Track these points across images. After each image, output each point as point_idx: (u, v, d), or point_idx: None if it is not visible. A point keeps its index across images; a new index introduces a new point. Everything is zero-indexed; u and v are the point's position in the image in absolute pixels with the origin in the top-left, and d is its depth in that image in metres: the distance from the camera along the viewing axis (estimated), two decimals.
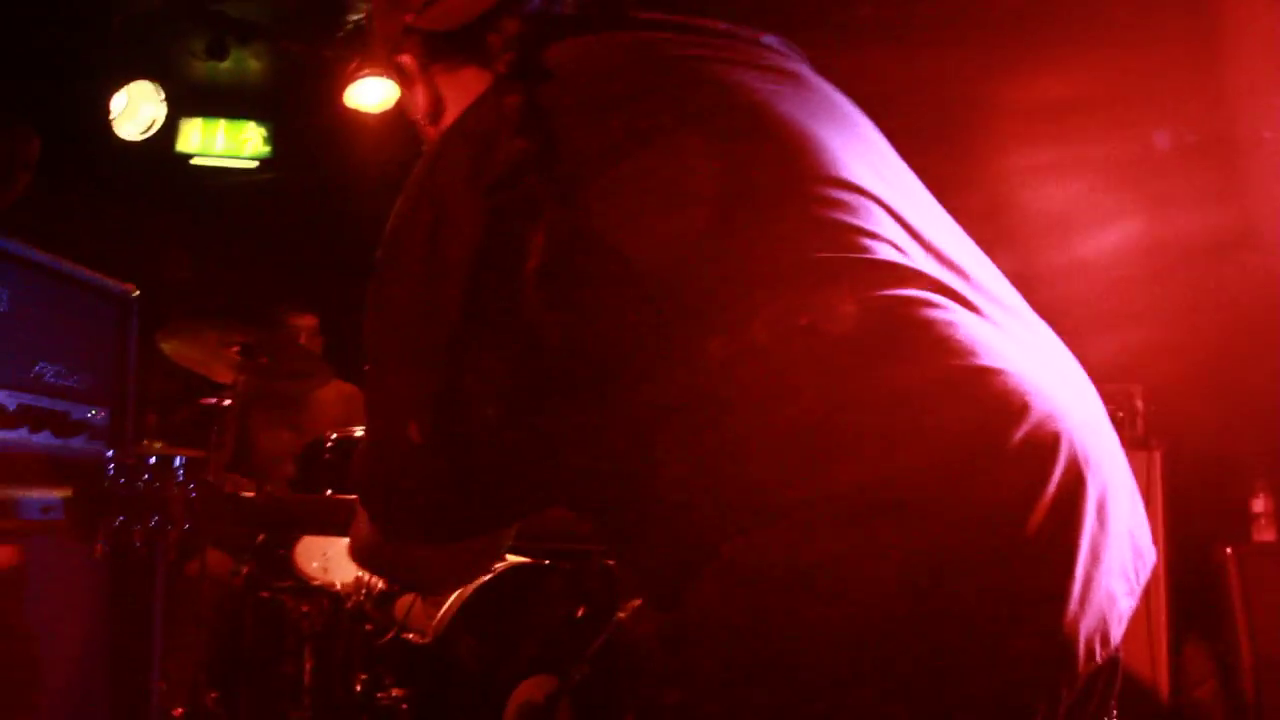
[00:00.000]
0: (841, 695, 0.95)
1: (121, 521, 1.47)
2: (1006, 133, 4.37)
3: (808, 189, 1.11)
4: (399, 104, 1.51)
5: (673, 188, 1.09)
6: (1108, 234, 4.33)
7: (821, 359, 1.01)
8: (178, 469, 1.53)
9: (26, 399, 1.54)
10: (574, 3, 1.36)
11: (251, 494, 2.21)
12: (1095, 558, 1.01)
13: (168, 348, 3.46)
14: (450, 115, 1.38)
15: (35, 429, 1.55)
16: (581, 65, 1.20)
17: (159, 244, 4.84)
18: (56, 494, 1.55)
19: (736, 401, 1.01)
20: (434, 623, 3.28)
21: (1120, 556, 1.06)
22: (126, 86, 5.22)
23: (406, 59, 1.39)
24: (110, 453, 1.59)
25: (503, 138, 1.11)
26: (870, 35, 4.26)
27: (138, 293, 1.90)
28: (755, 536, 0.98)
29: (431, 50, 1.37)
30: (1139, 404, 4.09)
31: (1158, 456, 4.00)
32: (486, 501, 1.20)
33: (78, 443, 1.63)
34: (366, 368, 1.24)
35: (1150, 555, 1.13)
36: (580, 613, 3.24)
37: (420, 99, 1.40)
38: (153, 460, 1.51)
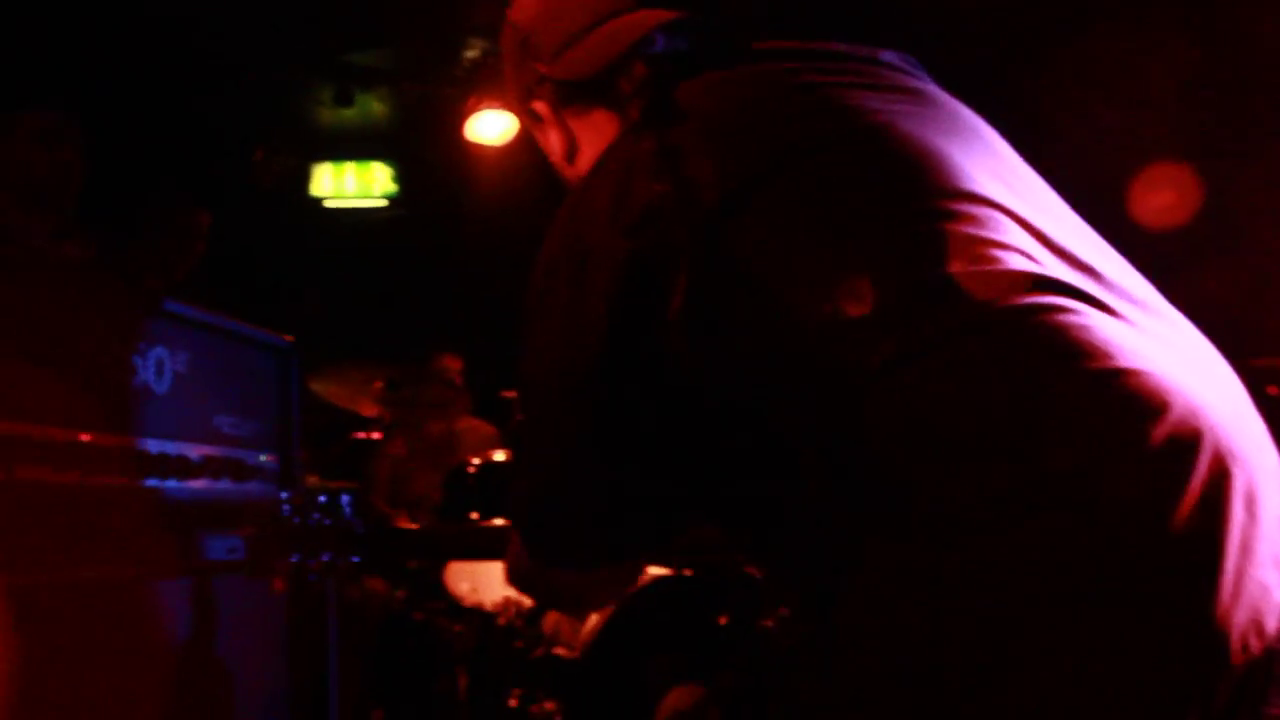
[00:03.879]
0: (990, 698, 0.96)
1: (298, 558, 1.58)
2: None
3: (935, 205, 1.13)
4: (527, 140, 1.58)
5: (806, 218, 1.13)
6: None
7: (959, 372, 1.04)
8: (345, 505, 1.64)
9: (208, 450, 1.68)
10: (695, 38, 1.41)
11: (411, 525, 2.32)
12: (1246, 550, 1.00)
13: (317, 387, 3.64)
14: (585, 156, 1.44)
15: (216, 477, 1.68)
16: (709, 104, 1.24)
17: (301, 289, 5.06)
18: (238, 535, 1.68)
19: (875, 417, 1.04)
20: (581, 637, 3.36)
21: (1273, 548, 1.04)
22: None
23: (540, 105, 1.46)
24: (285, 494, 1.71)
25: (639, 181, 1.17)
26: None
27: (294, 342, 2.03)
28: (900, 545, 1.01)
29: (564, 96, 1.43)
30: None
31: None
32: (634, 527, 1.26)
33: (253, 486, 1.76)
34: (520, 397, 1.31)
35: None
36: (724, 621, 3.27)
37: (555, 142, 1.47)
38: (322, 499, 1.63)
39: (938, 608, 0.98)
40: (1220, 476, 1.00)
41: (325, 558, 1.60)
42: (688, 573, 3.40)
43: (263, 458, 1.80)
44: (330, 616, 1.73)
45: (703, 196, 1.14)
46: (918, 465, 1.01)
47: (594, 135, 1.42)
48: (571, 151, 1.46)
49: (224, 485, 1.69)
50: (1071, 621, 0.96)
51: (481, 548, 1.69)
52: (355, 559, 1.62)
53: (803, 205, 1.14)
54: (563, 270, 1.21)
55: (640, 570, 1.42)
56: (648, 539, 1.29)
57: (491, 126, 5.15)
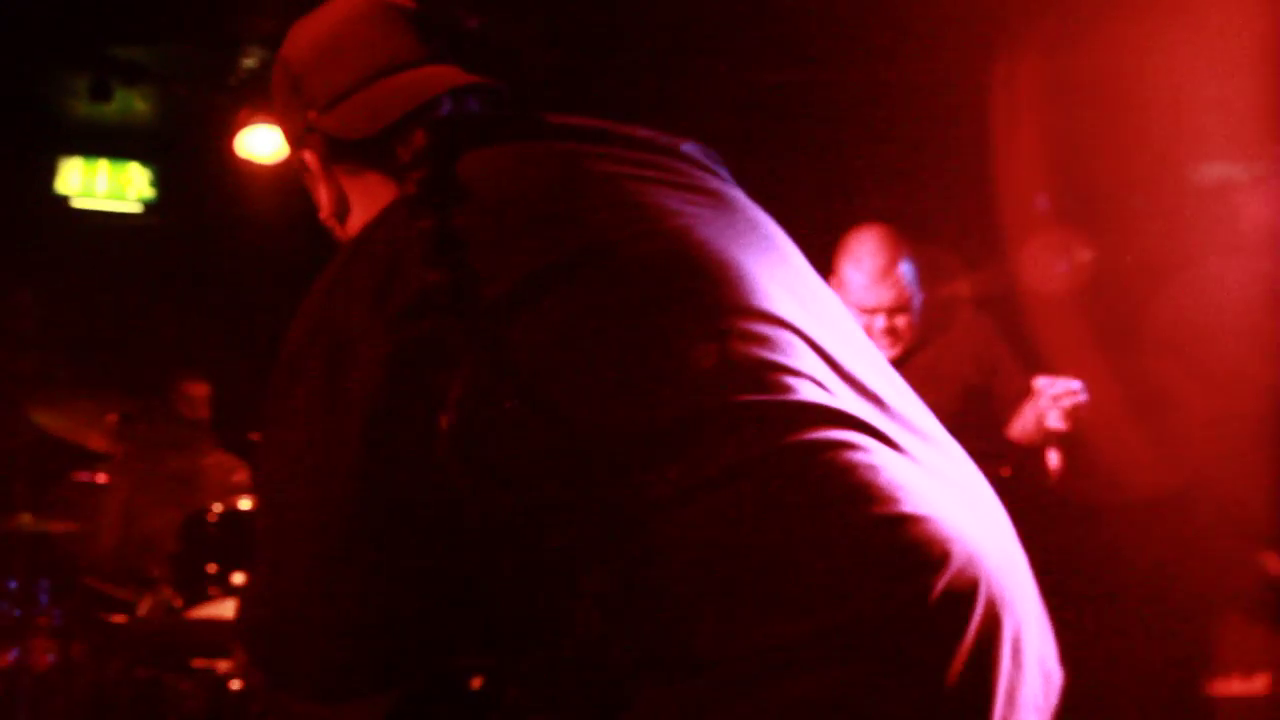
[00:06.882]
0: None
1: None
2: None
3: (728, 324, 1.09)
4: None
5: (592, 327, 1.06)
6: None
7: (743, 509, 1.00)
8: (42, 594, 1.42)
9: None
10: (485, 104, 1.31)
11: (126, 592, 2.07)
12: (1011, 700, 1.02)
13: (40, 418, 3.27)
14: (356, 218, 1.32)
15: None
16: (497, 183, 1.15)
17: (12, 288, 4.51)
18: None
19: (657, 552, 0.99)
20: None
21: (1033, 691, 1.06)
22: None
23: (309, 156, 1.33)
24: None
25: (411, 264, 1.06)
26: None
27: None
28: (673, 689, 0.96)
29: (335, 152, 1.31)
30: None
31: None
32: (389, 657, 1.12)
33: None
34: (259, 508, 1.17)
35: (1058, 677, 1.14)
36: None
37: (324, 198, 1.34)
38: (12, 584, 1.40)
39: None
40: (992, 627, 1.01)
41: (13, 655, 1.38)
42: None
43: None
44: None
45: (483, 290, 1.04)
46: (699, 606, 0.97)
47: (367, 199, 1.29)
48: (341, 211, 1.33)
49: None
50: None
51: (207, 647, 1.49)
52: (52, 659, 1.40)
53: (589, 312, 1.07)
54: (315, 358, 1.08)
55: (398, 701, 1.28)
56: (406, 669, 1.16)
57: (263, 143, 4.85)
